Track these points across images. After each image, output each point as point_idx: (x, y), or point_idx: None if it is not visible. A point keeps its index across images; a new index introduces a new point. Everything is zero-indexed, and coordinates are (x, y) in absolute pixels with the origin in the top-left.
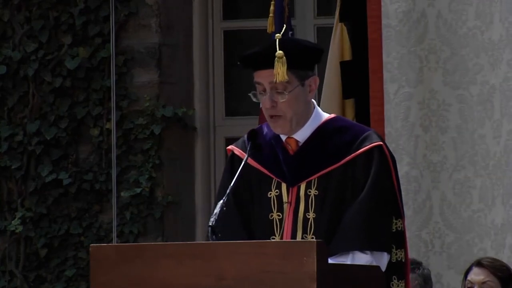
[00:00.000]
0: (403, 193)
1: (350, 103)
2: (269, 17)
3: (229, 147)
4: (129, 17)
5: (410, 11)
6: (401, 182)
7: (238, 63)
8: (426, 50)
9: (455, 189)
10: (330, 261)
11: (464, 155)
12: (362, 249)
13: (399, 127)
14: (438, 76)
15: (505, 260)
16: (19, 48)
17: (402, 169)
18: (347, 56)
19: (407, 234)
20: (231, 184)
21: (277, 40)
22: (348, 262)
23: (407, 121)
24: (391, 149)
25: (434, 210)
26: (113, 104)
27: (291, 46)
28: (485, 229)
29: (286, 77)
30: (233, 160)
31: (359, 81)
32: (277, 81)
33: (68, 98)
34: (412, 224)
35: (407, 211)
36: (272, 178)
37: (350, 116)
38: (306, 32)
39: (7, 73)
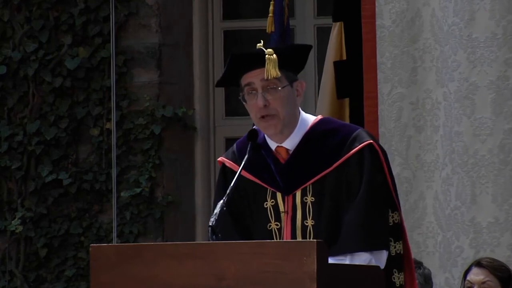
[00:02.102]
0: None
1: (347, 103)
2: (269, 17)
3: (220, 159)
4: (129, 17)
5: (404, 11)
6: None
7: (218, 82)
8: (421, 50)
9: (442, 187)
10: (329, 261)
11: (446, 152)
12: (361, 250)
13: (391, 128)
14: (432, 75)
15: (502, 259)
16: (19, 48)
17: (394, 170)
18: (345, 56)
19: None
20: (231, 184)
21: (261, 48)
22: (347, 262)
23: (399, 121)
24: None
25: (427, 210)
26: (113, 104)
27: (278, 47)
28: (461, 227)
29: (278, 73)
30: (225, 172)
31: (354, 81)
32: (270, 77)
33: (68, 98)
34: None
35: None
36: (267, 188)
37: (347, 116)
38: (306, 32)
39: (7, 73)
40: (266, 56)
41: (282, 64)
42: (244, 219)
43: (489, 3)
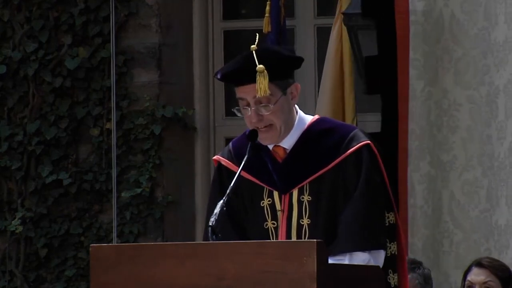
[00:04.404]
0: (425, 191)
1: (350, 101)
2: (265, 17)
3: (215, 157)
4: (129, 17)
5: (432, 10)
6: (422, 181)
7: (217, 78)
8: (441, 49)
9: (464, 189)
10: (328, 261)
11: (473, 155)
12: (360, 249)
13: (424, 125)
14: (450, 76)
15: (508, 261)
16: (19, 48)
17: (424, 168)
18: (347, 56)
19: (408, 230)
20: (231, 185)
21: (254, 52)
22: (346, 262)
23: (429, 120)
24: (414, 147)
25: (443, 209)
26: (113, 104)
27: (271, 57)
28: (490, 229)
29: (268, 91)
30: (221, 170)
31: (385, 77)
32: (260, 95)
33: (68, 98)
34: (430, 223)
35: (428, 209)
36: (264, 187)
37: (350, 114)
38: (306, 32)
39: (7, 73)
40: (257, 73)
41: (274, 76)
42: (240, 219)
43: (503, 6)
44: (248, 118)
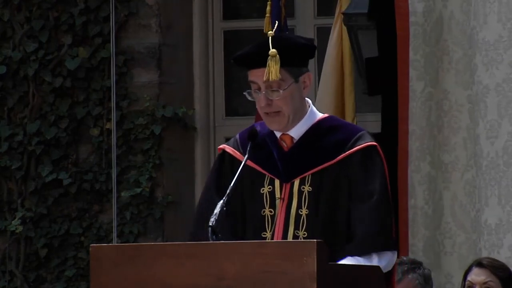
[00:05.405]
0: (425, 192)
1: (350, 101)
2: (266, 17)
3: (221, 146)
4: (129, 17)
5: (432, 11)
6: (423, 182)
7: (232, 61)
8: (440, 51)
9: (465, 189)
10: (357, 261)
11: (471, 155)
12: (386, 249)
13: (424, 126)
14: (450, 77)
15: (503, 260)
16: (19, 48)
17: (425, 168)
18: (347, 56)
19: (409, 234)
20: (231, 185)
21: (270, 37)
22: (376, 261)
23: (429, 120)
24: (414, 148)
25: (445, 210)
26: (113, 104)
27: (284, 43)
28: (480, 229)
29: (278, 75)
30: (224, 158)
31: (385, 78)
32: (270, 79)
33: (68, 98)
34: (431, 224)
35: (428, 210)
36: (265, 175)
37: (350, 114)
38: (306, 32)
39: (7, 73)
40: (269, 57)
41: (287, 62)
42: (236, 205)
43: (497, 6)
44: (258, 102)
